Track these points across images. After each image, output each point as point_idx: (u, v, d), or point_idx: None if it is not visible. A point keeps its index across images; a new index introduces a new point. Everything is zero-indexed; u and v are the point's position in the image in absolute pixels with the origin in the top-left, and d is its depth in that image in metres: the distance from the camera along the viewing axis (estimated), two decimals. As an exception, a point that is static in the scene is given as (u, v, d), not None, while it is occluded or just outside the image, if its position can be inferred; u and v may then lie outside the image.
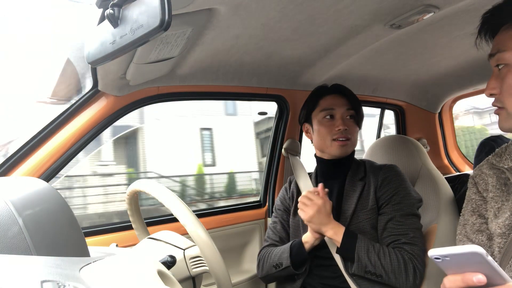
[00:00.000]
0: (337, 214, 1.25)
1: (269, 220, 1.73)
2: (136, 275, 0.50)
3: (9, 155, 1.15)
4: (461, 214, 0.87)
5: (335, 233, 1.15)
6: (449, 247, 0.48)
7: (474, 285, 0.48)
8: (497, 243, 0.73)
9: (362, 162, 1.34)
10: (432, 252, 0.48)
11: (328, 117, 1.29)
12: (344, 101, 1.29)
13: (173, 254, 0.93)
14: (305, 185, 1.38)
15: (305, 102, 1.40)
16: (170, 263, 0.91)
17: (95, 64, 0.71)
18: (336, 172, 1.33)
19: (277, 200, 1.46)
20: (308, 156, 1.54)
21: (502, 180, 0.78)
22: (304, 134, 1.44)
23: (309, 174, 1.45)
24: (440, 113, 2.33)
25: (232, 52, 1.29)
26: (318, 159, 1.36)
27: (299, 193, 1.38)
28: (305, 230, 1.27)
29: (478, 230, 0.79)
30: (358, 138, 1.34)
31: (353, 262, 1.12)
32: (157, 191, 0.90)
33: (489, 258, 0.47)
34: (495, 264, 0.47)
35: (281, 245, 1.30)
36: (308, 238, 1.21)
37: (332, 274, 1.20)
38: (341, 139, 1.25)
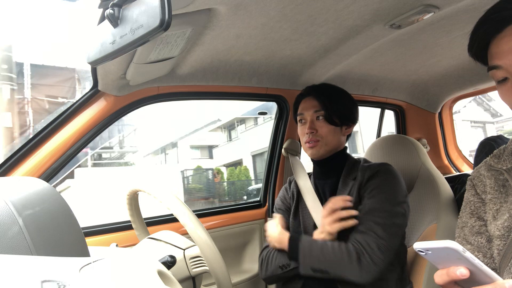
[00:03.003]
0: None
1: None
2: (136, 275, 0.50)
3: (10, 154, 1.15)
4: (459, 216, 0.86)
5: (281, 242, 1.19)
6: (430, 241, 0.49)
7: (458, 278, 0.49)
8: (496, 245, 0.73)
9: (358, 160, 1.32)
10: (416, 245, 0.51)
11: (301, 121, 1.33)
12: (313, 103, 1.29)
13: (173, 254, 0.93)
14: (305, 185, 1.37)
15: (293, 106, 1.42)
16: (170, 263, 0.91)
17: (95, 64, 0.71)
18: (329, 171, 1.32)
19: (277, 200, 1.45)
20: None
21: (500, 182, 0.77)
22: None
23: (309, 174, 1.44)
24: (440, 113, 2.33)
25: (232, 52, 1.29)
26: (311, 159, 1.37)
27: (299, 192, 1.38)
28: (306, 231, 1.26)
29: (477, 232, 0.79)
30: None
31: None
32: (157, 191, 0.90)
33: (467, 254, 0.48)
34: (477, 261, 0.48)
35: None
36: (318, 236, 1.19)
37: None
38: (309, 142, 1.28)
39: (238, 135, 19.36)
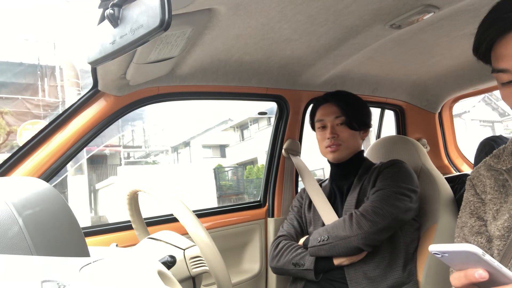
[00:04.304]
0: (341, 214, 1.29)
1: (270, 221, 1.74)
2: (136, 275, 0.50)
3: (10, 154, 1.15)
4: (458, 216, 0.85)
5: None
6: (448, 244, 0.48)
7: (477, 281, 0.48)
8: (496, 245, 0.73)
9: (374, 163, 1.38)
10: (432, 248, 0.50)
11: (321, 127, 1.38)
12: (334, 110, 1.34)
13: (173, 254, 0.93)
14: (310, 183, 1.42)
15: (310, 112, 1.47)
16: (170, 263, 0.91)
17: (95, 64, 0.71)
18: (346, 174, 1.37)
19: (294, 201, 1.53)
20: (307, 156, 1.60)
21: (500, 182, 0.77)
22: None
23: (319, 181, 1.49)
24: (440, 113, 2.33)
25: (232, 52, 1.29)
26: (329, 162, 1.42)
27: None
28: (315, 227, 1.32)
29: (477, 232, 0.78)
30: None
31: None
32: (157, 191, 0.90)
33: (487, 257, 0.47)
34: (496, 263, 0.47)
35: (294, 239, 1.33)
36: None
37: (336, 277, 1.21)
38: (331, 146, 1.33)
39: (251, 134, 19.95)
